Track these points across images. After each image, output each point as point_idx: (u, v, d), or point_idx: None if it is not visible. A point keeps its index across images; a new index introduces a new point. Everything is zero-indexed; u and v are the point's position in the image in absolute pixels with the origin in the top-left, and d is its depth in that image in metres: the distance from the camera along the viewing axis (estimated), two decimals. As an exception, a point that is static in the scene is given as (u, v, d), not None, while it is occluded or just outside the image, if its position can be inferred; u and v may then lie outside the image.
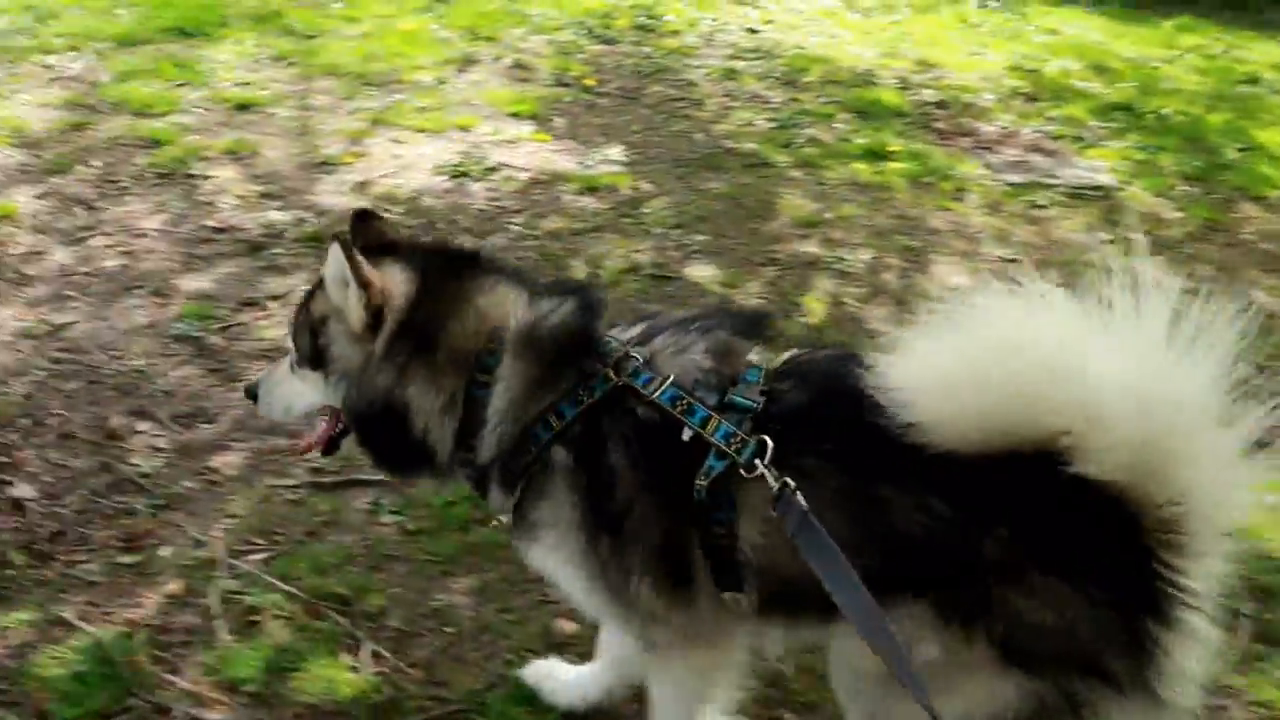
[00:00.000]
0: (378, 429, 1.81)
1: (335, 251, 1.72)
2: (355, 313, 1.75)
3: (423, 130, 4.98)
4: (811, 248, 4.25)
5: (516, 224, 4.22)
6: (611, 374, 1.67)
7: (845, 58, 6.83)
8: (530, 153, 4.93)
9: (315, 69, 5.53)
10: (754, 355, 1.74)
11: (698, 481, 1.60)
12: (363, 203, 4.23)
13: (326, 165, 4.52)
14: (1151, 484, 1.45)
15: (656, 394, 1.63)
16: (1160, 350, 1.43)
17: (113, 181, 4.14)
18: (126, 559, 2.44)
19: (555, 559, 1.76)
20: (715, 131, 5.45)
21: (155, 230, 3.85)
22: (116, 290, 3.45)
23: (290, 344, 1.92)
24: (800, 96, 6.04)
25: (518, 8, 7.12)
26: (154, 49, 5.45)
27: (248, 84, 5.21)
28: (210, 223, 3.95)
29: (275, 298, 3.51)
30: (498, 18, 6.84)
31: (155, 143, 4.46)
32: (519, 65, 6.09)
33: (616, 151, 5.06)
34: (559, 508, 1.71)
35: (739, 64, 6.57)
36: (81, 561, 2.41)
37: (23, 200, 3.91)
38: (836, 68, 6.60)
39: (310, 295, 1.88)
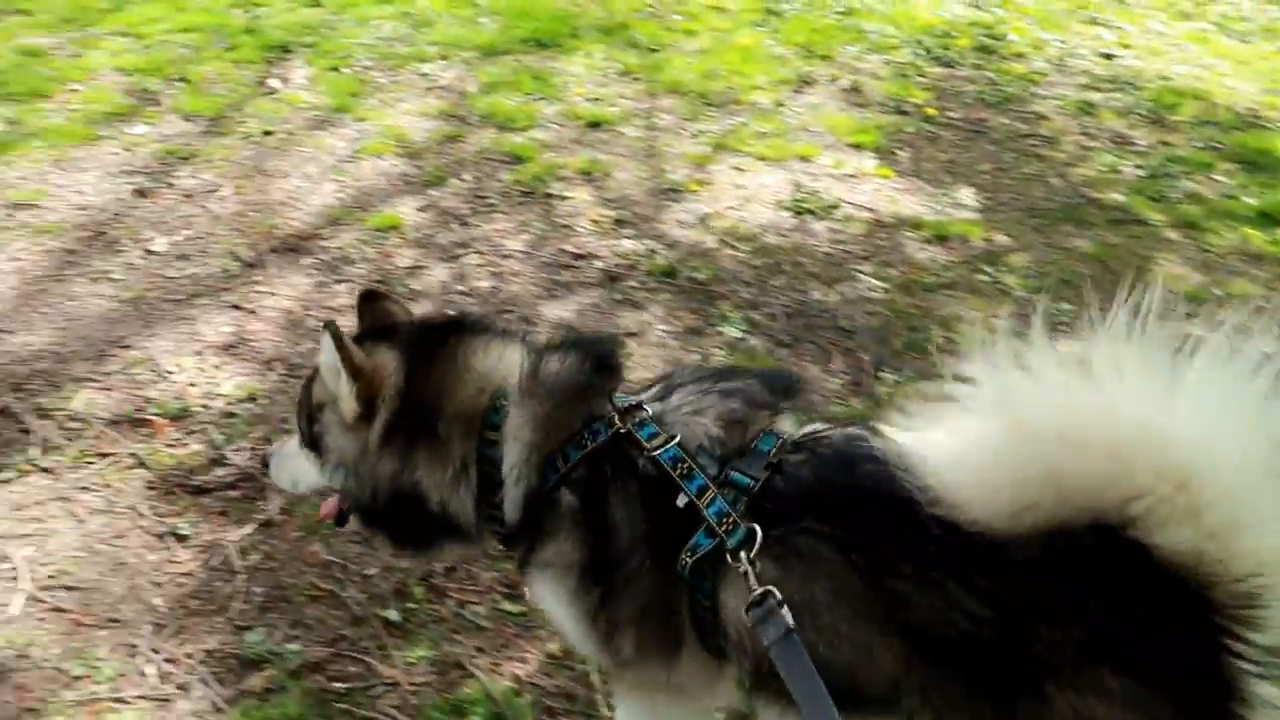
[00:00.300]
0: (385, 515, 1.81)
1: (327, 340, 1.67)
2: (348, 403, 1.72)
3: (764, 159, 4.89)
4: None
5: (864, 273, 4.03)
6: (616, 420, 1.64)
7: (1221, 92, 6.07)
8: (873, 190, 4.71)
9: (659, 86, 5.57)
10: (781, 422, 1.68)
11: (683, 556, 1.55)
12: (710, 237, 4.21)
13: (673, 192, 4.52)
14: (1232, 554, 1.30)
15: (659, 451, 1.59)
16: (1255, 403, 1.29)
17: (482, 197, 4.34)
18: (510, 606, 2.51)
19: (554, 597, 1.73)
20: (1073, 177, 4.98)
21: (519, 251, 4.00)
22: (490, 312, 3.60)
23: (295, 423, 1.90)
24: (1170, 139, 5.42)
25: (853, 22, 6.87)
26: (513, 60, 5.70)
27: (598, 100, 5.33)
28: (568, 247, 4.05)
29: (631, 335, 3.53)
30: (832, 33, 6.63)
31: (517, 159, 4.65)
32: (855, 88, 5.86)
33: (965, 194, 4.73)
34: (562, 548, 1.67)
35: (1095, 96, 5.99)
36: (472, 603, 2.51)
37: (406, 212, 4.17)
38: (1212, 105, 5.87)
39: (311, 378, 1.85)
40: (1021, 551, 1.36)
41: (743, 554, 1.47)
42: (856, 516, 1.49)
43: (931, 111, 5.63)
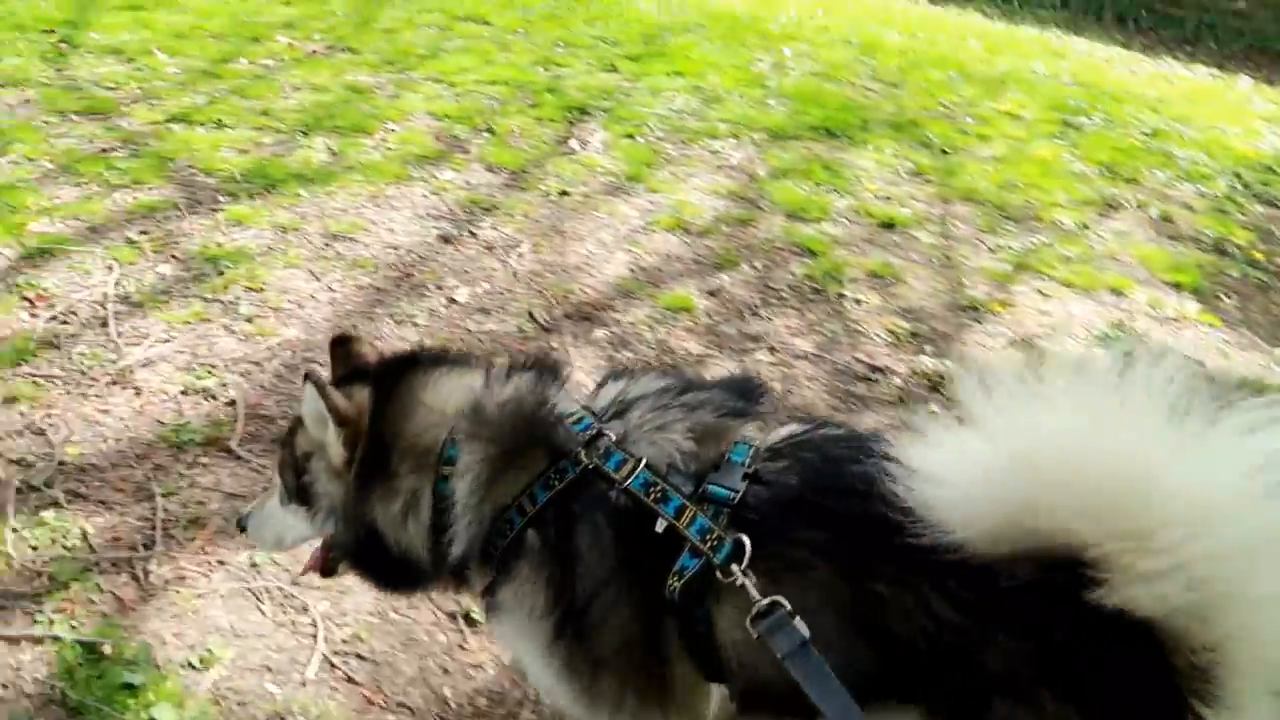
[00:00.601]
0: (368, 557, 1.74)
1: (310, 390, 1.64)
2: (335, 449, 1.68)
3: (1071, 286, 4.42)
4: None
5: (1199, 437, 3.49)
6: (582, 455, 1.55)
7: None
8: (1199, 338, 4.15)
9: (953, 191, 5.21)
10: (748, 429, 1.60)
11: (670, 581, 1.45)
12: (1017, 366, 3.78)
13: (973, 310, 4.13)
14: (1195, 623, 1.21)
15: (629, 480, 1.50)
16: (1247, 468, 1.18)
17: (772, 288, 4.10)
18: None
19: (525, 645, 1.62)
20: None
21: (811, 353, 3.72)
22: (784, 422, 3.32)
23: (277, 479, 1.84)
24: None
25: (1159, 145, 6.29)
26: (802, 146, 5.49)
27: (889, 198, 5.03)
28: (863, 356, 3.73)
29: (934, 468, 3.16)
30: (1136, 154, 6.08)
31: (808, 252, 4.40)
32: (1166, 218, 5.30)
33: (1309, 358, 4.10)
34: (530, 592, 1.57)
35: None
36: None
37: (696, 293, 3.99)
38: None
39: (292, 430, 1.80)
40: (999, 567, 1.30)
41: (734, 567, 1.40)
42: (846, 521, 1.42)
43: (1258, 255, 4.99)
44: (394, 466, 1.67)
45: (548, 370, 1.72)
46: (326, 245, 3.99)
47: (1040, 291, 4.37)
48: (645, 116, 5.57)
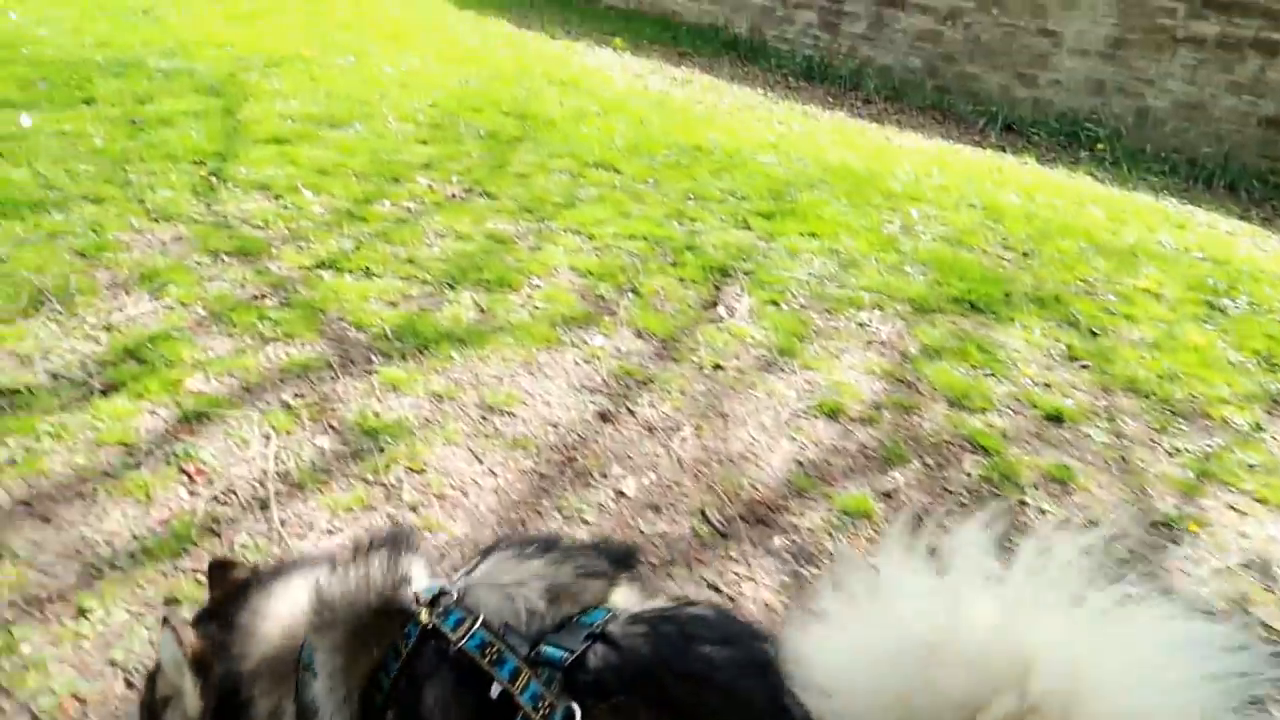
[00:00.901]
0: None
1: (167, 635, 1.51)
2: (191, 700, 1.51)
3: (1264, 502, 4.00)
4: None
5: None
6: (423, 615, 1.44)
7: None
8: None
9: (1113, 380, 4.85)
10: (619, 595, 1.49)
11: None
12: (1229, 604, 3.35)
13: (1167, 528, 3.72)
14: None
15: (464, 640, 1.39)
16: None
17: (950, 491, 3.74)
18: None
19: None
20: None
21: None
22: (657, 594, 2.92)
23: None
24: None
25: (1309, 335, 5.88)
26: (949, 321, 5.19)
27: (1049, 385, 4.68)
28: (1061, 582, 3.33)
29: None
30: (1290, 343, 5.68)
31: (980, 448, 4.04)
32: (1339, 422, 4.86)
33: None
34: None
35: None
36: None
37: (871, 495, 3.64)
38: None
39: (154, 673, 1.63)
40: None
41: None
42: (687, 705, 1.30)
43: None
44: (247, 694, 1.52)
45: (398, 542, 1.61)
46: (484, 419, 3.73)
47: (1232, 507, 3.95)
48: (786, 281, 5.33)
